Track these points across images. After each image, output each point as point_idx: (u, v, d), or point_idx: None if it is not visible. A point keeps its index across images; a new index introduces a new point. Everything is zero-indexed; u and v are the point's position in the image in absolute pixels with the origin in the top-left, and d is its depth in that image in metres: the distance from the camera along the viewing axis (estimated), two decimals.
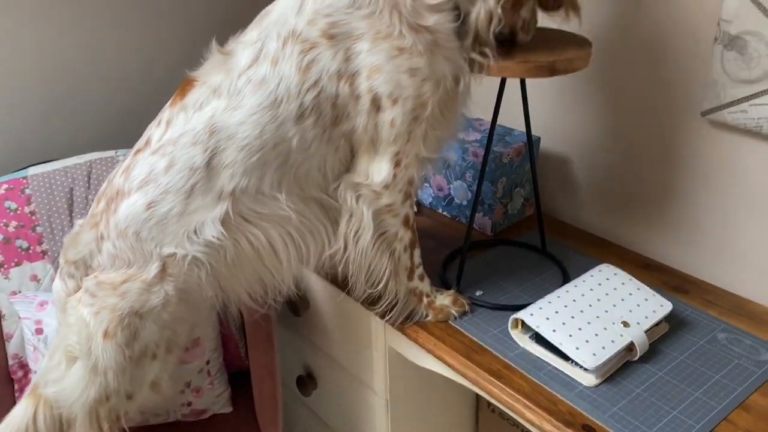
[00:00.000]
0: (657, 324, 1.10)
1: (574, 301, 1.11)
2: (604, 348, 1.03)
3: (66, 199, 1.42)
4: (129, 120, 1.66)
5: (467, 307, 1.19)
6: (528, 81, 1.21)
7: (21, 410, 1.14)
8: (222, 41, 1.08)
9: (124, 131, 1.63)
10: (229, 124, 1.01)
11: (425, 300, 1.17)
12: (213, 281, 1.08)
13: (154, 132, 1.06)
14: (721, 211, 1.24)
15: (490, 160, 1.33)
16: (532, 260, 1.34)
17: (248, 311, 1.30)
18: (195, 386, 1.37)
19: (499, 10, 0.99)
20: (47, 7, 1.53)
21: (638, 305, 1.10)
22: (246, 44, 1.04)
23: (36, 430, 1.13)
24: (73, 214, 1.41)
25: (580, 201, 1.48)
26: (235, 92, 1.02)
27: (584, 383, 1.02)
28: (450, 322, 1.17)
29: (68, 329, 1.09)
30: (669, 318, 1.13)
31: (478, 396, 1.53)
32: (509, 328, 1.13)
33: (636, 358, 1.06)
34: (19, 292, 1.36)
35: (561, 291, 1.14)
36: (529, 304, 1.13)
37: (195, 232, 1.04)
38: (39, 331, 1.30)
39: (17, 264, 1.36)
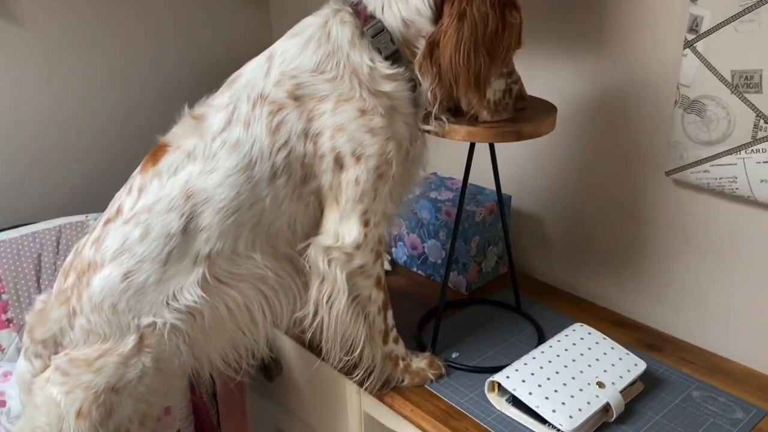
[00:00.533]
0: (632, 383, 1.10)
1: (550, 362, 1.11)
2: (580, 410, 1.03)
3: (33, 266, 1.39)
4: (100, 184, 1.65)
5: (443, 370, 1.18)
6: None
7: None
8: (191, 105, 1.09)
9: (95, 195, 1.61)
10: (205, 188, 1.01)
11: (401, 364, 1.16)
12: (188, 348, 1.07)
13: (125, 200, 1.06)
14: (689, 269, 1.26)
15: (462, 219, 1.35)
16: (507, 319, 1.34)
17: (222, 380, 1.27)
18: None
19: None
20: (14, 70, 1.53)
21: (613, 365, 1.11)
22: (218, 108, 1.05)
23: None
24: (40, 281, 1.38)
25: (553, 258, 1.49)
26: (210, 155, 1.02)
27: None
28: (426, 386, 1.15)
29: (35, 410, 1.05)
30: (644, 377, 1.13)
31: None
32: (486, 391, 1.12)
33: (612, 419, 1.06)
34: None
35: (536, 352, 1.14)
36: (505, 366, 1.12)
37: (173, 297, 1.03)
38: (2, 404, 1.26)
39: None
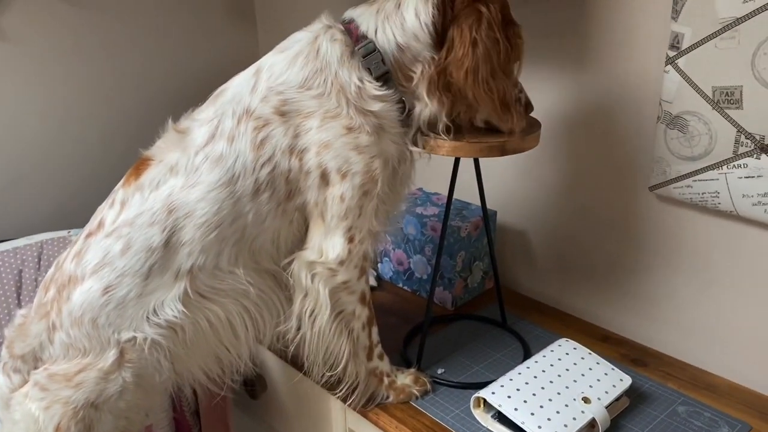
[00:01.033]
0: (617, 399, 1.10)
1: (535, 377, 1.10)
2: (566, 426, 1.02)
3: (14, 282, 1.37)
4: (83, 199, 1.64)
5: (429, 386, 1.17)
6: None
7: None
8: (176, 118, 1.08)
9: (77, 211, 1.60)
10: (187, 202, 1.00)
11: (386, 380, 1.15)
12: (170, 364, 1.05)
13: (107, 214, 1.05)
14: (673, 283, 1.26)
15: (448, 234, 1.35)
16: (493, 335, 1.33)
17: (205, 395, 1.25)
18: None
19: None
20: None
21: (598, 380, 1.10)
22: (202, 122, 1.05)
23: None
24: (21, 297, 1.36)
25: (539, 274, 1.49)
26: (192, 169, 1.02)
27: None
28: (411, 402, 1.14)
29: (13, 426, 1.03)
30: (629, 392, 1.13)
31: None
32: (471, 408, 1.11)
33: None
34: None
35: (522, 367, 1.13)
36: (491, 382, 1.12)
37: (154, 312, 1.02)
38: None
39: None
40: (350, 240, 1.05)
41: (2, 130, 1.55)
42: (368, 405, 1.14)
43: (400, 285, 1.53)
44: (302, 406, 1.32)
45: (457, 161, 1.19)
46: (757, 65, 1.03)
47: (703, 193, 1.15)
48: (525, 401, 1.06)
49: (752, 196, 1.09)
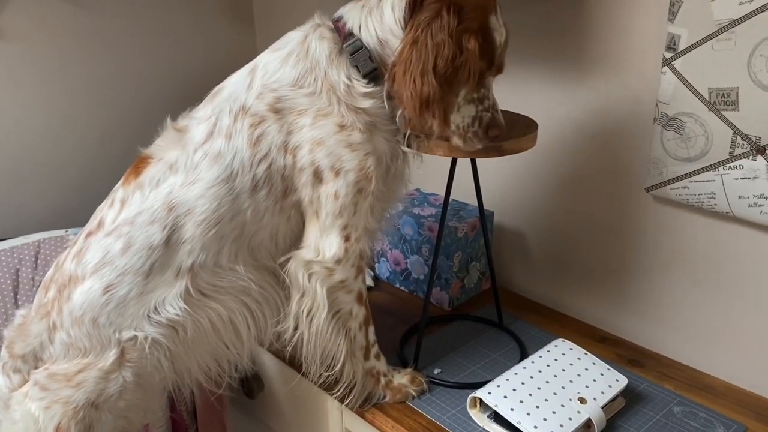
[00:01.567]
0: (613, 399, 1.10)
1: (531, 377, 1.10)
2: (562, 426, 1.02)
3: (11, 281, 1.37)
4: (81, 198, 1.64)
5: (425, 386, 1.17)
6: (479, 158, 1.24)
7: None
8: (174, 117, 1.08)
9: (75, 210, 1.60)
10: (187, 199, 1.01)
11: (383, 380, 1.15)
12: (170, 363, 1.05)
13: (107, 213, 1.05)
14: (669, 284, 1.27)
15: (445, 235, 1.35)
16: (489, 335, 1.33)
17: (202, 395, 1.26)
18: None
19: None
20: None
21: (594, 380, 1.10)
22: (200, 120, 1.05)
23: None
24: (18, 297, 1.36)
25: (536, 274, 1.49)
26: (191, 167, 1.02)
27: None
28: (408, 402, 1.14)
29: (13, 426, 1.03)
30: (625, 392, 1.13)
31: None
32: (468, 408, 1.11)
33: None
34: None
35: (518, 368, 1.14)
36: (487, 382, 1.12)
37: (155, 310, 1.02)
38: None
39: None
40: (346, 238, 1.06)
41: (0, 130, 1.55)
42: (365, 405, 1.14)
43: (397, 285, 1.53)
44: (299, 406, 1.33)
45: (454, 162, 1.19)
46: (753, 67, 1.03)
47: (699, 194, 1.15)
48: (521, 401, 1.06)
49: (748, 198, 1.10)
